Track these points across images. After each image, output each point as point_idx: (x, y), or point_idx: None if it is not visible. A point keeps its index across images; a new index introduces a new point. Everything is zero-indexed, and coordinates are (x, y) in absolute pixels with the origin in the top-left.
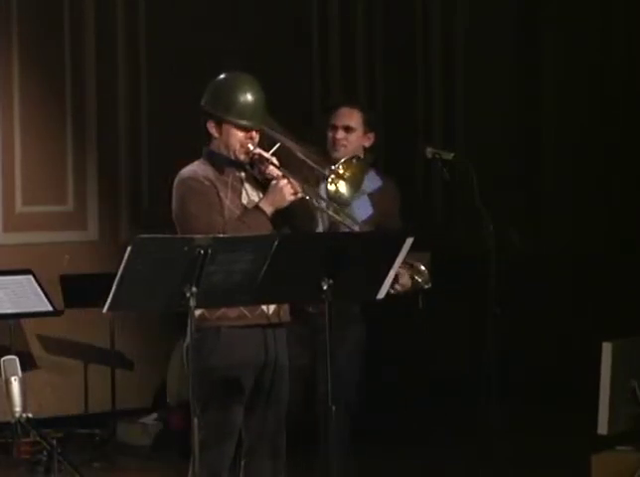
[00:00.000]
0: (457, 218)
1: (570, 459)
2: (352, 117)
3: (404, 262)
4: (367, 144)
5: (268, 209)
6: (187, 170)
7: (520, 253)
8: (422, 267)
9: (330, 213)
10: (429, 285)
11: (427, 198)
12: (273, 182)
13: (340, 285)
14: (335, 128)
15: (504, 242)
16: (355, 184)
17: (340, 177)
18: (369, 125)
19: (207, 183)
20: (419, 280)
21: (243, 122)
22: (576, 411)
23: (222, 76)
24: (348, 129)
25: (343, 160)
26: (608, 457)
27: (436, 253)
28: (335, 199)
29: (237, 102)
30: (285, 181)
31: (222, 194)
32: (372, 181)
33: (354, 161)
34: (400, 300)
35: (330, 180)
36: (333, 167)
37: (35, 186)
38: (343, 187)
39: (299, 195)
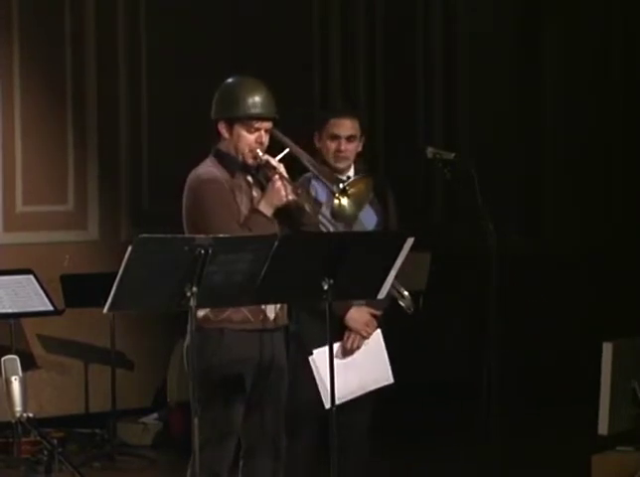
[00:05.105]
0: (458, 218)
1: (571, 459)
2: (354, 127)
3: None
4: (360, 149)
5: (268, 210)
6: (205, 171)
7: (518, 252)
8: (406, 293)
9: (322, 220)
10: (411, 310)
11: (428, 198)
12: (270, 183)
13: (341, 285)
14: (337, 138)
15: (504, 242)
16: (359, 200)
17: (344, 193)
18: (363, 130)
19: (227, 186)
20: (403, 305)
21: (257, 111)
22: (576, 412)
23: (228, 80)
24: (350, 138)
25: (353, 179)
26: (609, 457)
27: (437, 253)
28: (338, 213)
29: (247, 99)
30: (280, 183)
31: (237, 199)
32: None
33: (363, 179)
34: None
35: (336, 195)
36: (341, 185)
37: (35, 186)
38: (346, 202)
39: (291, 197)
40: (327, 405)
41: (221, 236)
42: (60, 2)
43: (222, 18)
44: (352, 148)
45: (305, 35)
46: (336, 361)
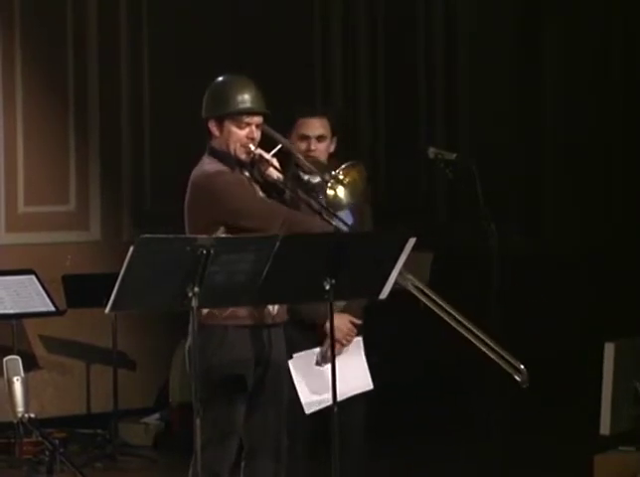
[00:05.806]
0: (460, 218)
1: (573, 460)
2: (323, 126)
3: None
4: (332, 149)
5: None
6: (209, 167)
7: (518, 252)
8: (522, 366)
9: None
10: (527, 385)
11: (430, 198)
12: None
13: (342, 285)
14: (307, 138)
15: (505, 242)
16: (354, 190)
17: (339, 182)
18: (334, 130)
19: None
20: (519, 380)
21: (246, 106)
22: (577, 412)
23: (218, 79)
24: (319, 138)
25: (344, 166)
26: (611, 457)
27: (439, 253)
28: (333, 204)
29: (236, 96)
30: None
31: None
32: None
33: (355, 167)
34: (400, 301)
35: (329, 185)
36: (333, 173)
37: (37, 186)
38: (341, 192)
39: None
40: (306, 410)
41: (222, 236)
42: (62, 3)
43: (222, 18)
44: (322, 148)
45: (306, 35)
46: (315, 368)
